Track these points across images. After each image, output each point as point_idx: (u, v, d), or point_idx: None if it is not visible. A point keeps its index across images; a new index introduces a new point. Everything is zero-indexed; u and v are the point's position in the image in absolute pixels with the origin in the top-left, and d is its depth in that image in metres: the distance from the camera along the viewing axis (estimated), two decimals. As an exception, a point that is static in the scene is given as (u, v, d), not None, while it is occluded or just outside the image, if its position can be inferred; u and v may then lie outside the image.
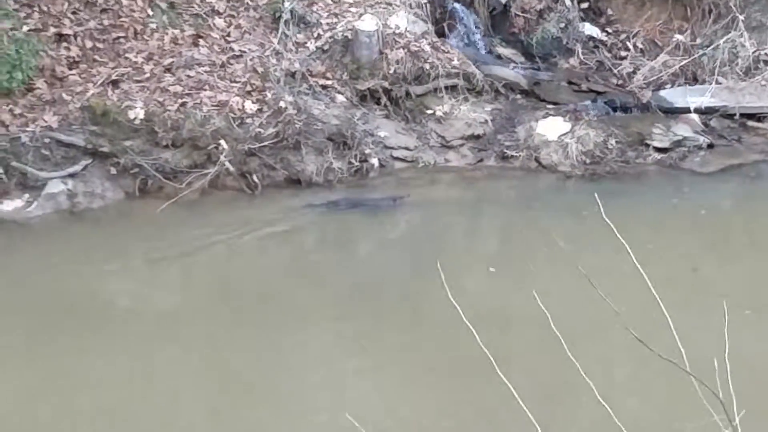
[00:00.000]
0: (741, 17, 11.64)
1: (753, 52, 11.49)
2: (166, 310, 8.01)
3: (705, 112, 11.05)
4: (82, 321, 7.64)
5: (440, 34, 11.79)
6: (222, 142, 9.41)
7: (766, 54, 11.56)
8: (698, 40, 11.87)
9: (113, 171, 9.43)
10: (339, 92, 10.62)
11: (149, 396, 6.78)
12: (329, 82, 10.66)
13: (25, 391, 6.81)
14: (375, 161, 10.20)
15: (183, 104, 9.68)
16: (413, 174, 10.32)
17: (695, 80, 11.55)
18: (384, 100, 10.75)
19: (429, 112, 10.80)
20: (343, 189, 9.93)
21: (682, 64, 11.62)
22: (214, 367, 7.17)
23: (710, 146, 10.64)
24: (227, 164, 9.49)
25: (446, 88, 10.92)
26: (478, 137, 10.69)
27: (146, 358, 7.18)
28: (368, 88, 10.72)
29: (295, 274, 8.54)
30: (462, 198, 10.16)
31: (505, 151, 10.51)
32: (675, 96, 11.24)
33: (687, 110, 11.06)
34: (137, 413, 6.60)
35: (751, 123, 11.08)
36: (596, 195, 4.08)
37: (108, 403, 6.68)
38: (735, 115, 11.05)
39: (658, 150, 10.51)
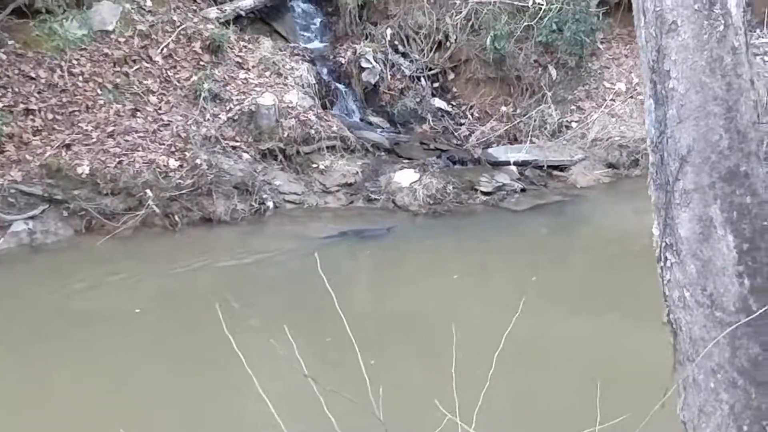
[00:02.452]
0: (549, 93, 12.06)
1: (557, 120, 11.88)
2: (114, 316, 8.08)
3: (521, 164, 11.39)
4: (50, 327, 7.73)
5: (327, 106, 12.04)
6: (148, 191, 9.59)
7: (567, 121, 11.96)
8: (518, 111, 12.23)
9: (65, 213, 9.56)
10: (245, 151, 10.83)
11: (115, 383, 6.87)
12: (237, 144, 10.87)
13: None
14: (270, 204, 10.43)
15: (120, 162, 9.84)
16: (301, 213, 10.55)
17: (515, 140, 11.90)
18: (280, 157, 10.98)
19: (314, 165, 11.05)
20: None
21: (505, 128, 12.00)
22: (166, 357, 7.25)
23: (523, 190, 10.97)
24: (154, 207, 9.66)
25: (327, 147, 11.18)
26: (350, 185, 10.95)
27: (110, 353, 7.26)
28: (267, 148, 10.94)
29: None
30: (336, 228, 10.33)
31: (370, 195, 10.79)
32: (499, 152, 11.60)
33: (508, 163, 11.40)
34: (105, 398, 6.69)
35: (555, 172, 11.43)
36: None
37: (81, 391, 6.76)
38: (543, 166, 11.40)
39: (484, 193, 10.81)
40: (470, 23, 12.49)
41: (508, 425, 5.71)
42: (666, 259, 3.30)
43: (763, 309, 3.21)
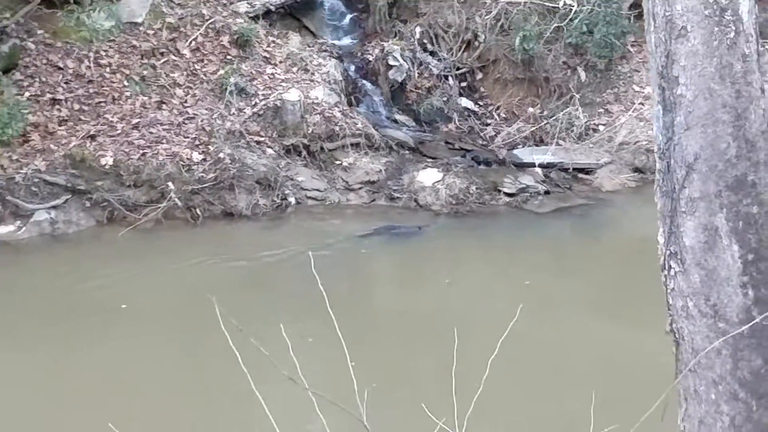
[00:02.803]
0: (577, 96, 11.98)
1: (585, 122, 11.80)
2: (134, 306, 8.13)
3: (546, 166, 11.32)
4: (62, 317, 7.80)
5: (353, 103, 12.04)
6: (170, 183, 9.63)
7: (594, 124, 11.88)
8: (545, 112, 12.17)
9: (87, 204, 9.65)
10: (269, 146, 10.86)
11: (130, 372, 6.93)
12: (262, 139, 10.90)
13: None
14: (292, 200, 10.46)
15: (144, 154, 9.92)
16: (322, 209, 10.57)
17: (541, 142, 11.84)
18: (304, 153, 11.00)
19: (338, 162, 11.05)
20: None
21: (532, 129, 11.93)
22: (182, 352, 7.31)
23: (547, 192, 10.91)
24: (176, 200, 9.72)
25: (352, 145, 11.18)
26: (373, 182, 10.94)
27: (126, 342, 7.32)
28: (292, 144, 10.96)
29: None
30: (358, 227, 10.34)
31: (393, 193, 10.77)
32: (524, 154, 11.55)
33: (533, 165, 11.35)
34: (122, 382, 6.76)
35: (581, 175, 11.36)
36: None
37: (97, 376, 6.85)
38: (569, 169, 11.33)
39: (508, 195, 10.76)
40: (500, 23, 12.44)
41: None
42: (670, 267, 3.26)
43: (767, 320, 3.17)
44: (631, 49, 12.54)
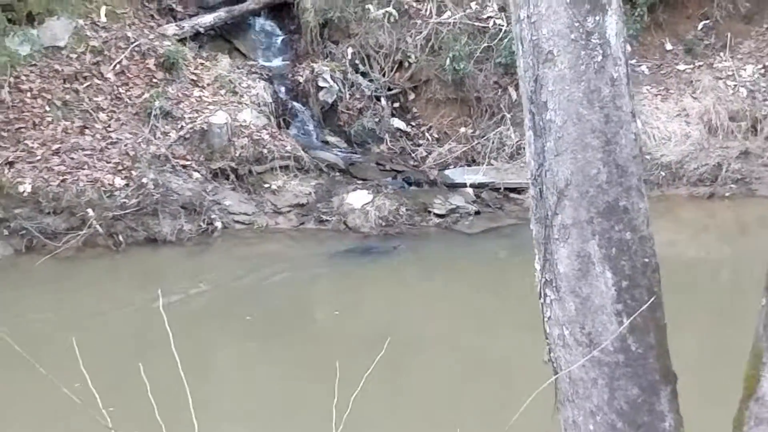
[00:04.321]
0: (508, 115, 12.00)
1: (516, 142, 11.81)
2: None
3: (478, 186, 11.32)
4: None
5: (283, 125, 11.95)
6: (90, 210, 9.44)
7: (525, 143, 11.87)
8: (477, 132, 12.17)
9: (5, 232, 9.45)
10: (196, 170, 10.73)
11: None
12: (188, 162, 10.77)
13: None
14: (219, 224, 10.33)
15: (64, 180, 9.73)
16: (250, 234, 10.44)
17: (473, 162, 11.84)
18: (232, 176, 10.88)
19: (266, 185, 10.95)
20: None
21: (463, 150, 11.94)
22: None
23: (477, 213, 10.90)
24: (97, 227, 9.54)
25: (281, 167, 11.09)
26: (302, 205, 10.86)
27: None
28: (219, 167, 10.84)
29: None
30: (286, 251, 10.24)
31: (322, 216, 10.69)
32: (456, 174, 11.54)
33: (464, 185, 11.34)
34: None
35: (512, 195, 11.36)
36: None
37: None
38: (500, 189, 11.33)
39: (438, 216, 10.73)
40: (430, 43, 12.47)
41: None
42: (546, 295, 3.21)
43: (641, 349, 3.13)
44: (562, 68, 12.58)
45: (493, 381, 6.81)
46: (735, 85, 12.22)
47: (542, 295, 3.23)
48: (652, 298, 3.17)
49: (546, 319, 3.24)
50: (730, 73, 12.44)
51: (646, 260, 3.12)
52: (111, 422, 2.27)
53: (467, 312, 8.51)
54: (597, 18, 2.98)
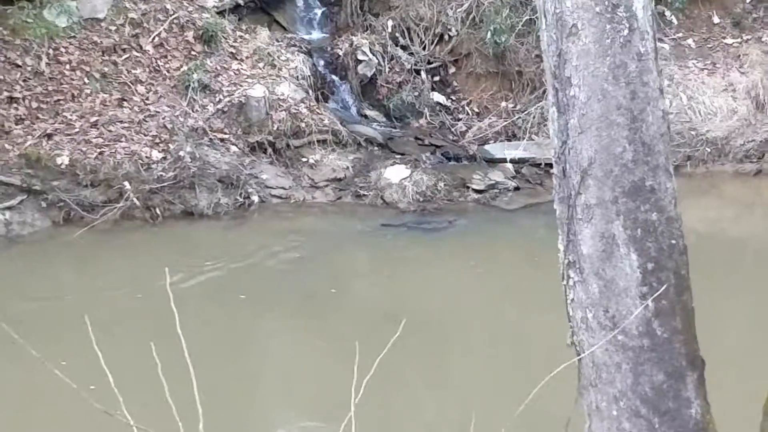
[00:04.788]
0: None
1: (557, 117, 11.61)
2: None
3: (518, 162, 11.18)
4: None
5: (322, 98, 11.90)
6: (126, 183, 9.48)
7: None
8: (518, 107, 12.02)
9: (43, 204, 9.51)
10: (233, 144, 10.72)
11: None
12: (226, 136, 10.76)
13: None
14: (256, 198, 10.32)
15: (101, 153, 9.78)
16: (287, 208, 10.44)
17: (514, 137, 11.70)
18: (269, 150, 10.86)
19: (304, 160, 10.92)
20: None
21: (504, 124, 11.79)
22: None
23: (517, 188, 10.78)
24: (134, 200, 9.58)
25: (318, 141, 11.04)
26: (340, 180, 10.82)
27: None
28: (257, 141, 10.82)
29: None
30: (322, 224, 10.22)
31: (359, 191, 10.65)
32: (496, 149, 11.41)
33: (504, 160, 11.20)
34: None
35: (552, 171, 11.14)
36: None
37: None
38: (541, 164, 11.18)
39: (476, 191, 10.64)
40: (471, 16, 12.30)
41: None
42: (569, 277, 3.14)
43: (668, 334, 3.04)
44: (606, 41, 12.35)
45: (525, 361, 6.73)
46: (785, 60, 11.93)
47: (565, 276, 3.15)
48: (680, 281, 3.08)
49: (569, 302, 3.17)
50: (780, 47, 12.14)
51: (673, 242, 3.03)
52: (97, 404, 2.24)
53: (505, 290, 8.44)
54: (624, -10, 2.87)
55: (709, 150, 11.29)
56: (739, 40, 12.53)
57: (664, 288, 3.00)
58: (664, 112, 3.01)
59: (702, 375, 3.10)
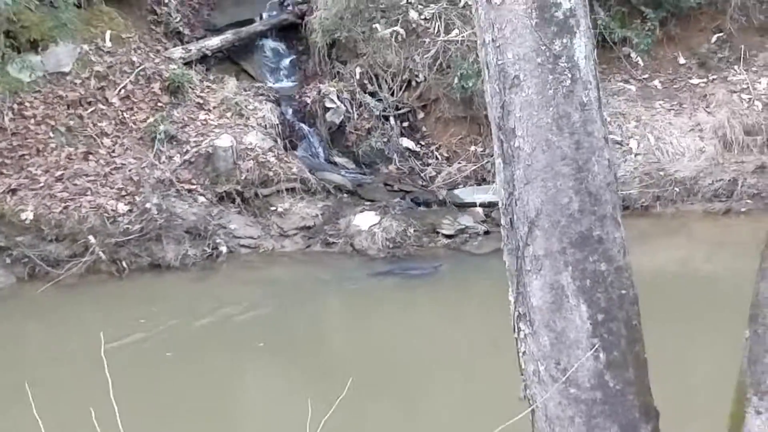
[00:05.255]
0: (518, 133, 11.84)
1: (526, 160, 11.65)
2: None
3: (488, 206, 11.16)
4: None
5: (290, 147, 11.89)
6: (91, 237, 9.40)
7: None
8: (487, 150, 12.03)
9: (7, 261, 9.42)
10: (201, 194, 10.67)
11: None
12: (194, 186, 10.72)
13: None
14: (224, 248, 10.26)
15: (66, 207, 9.70)
16: (256, 258, 10.37)
17: (483, 181, 11.71)
18: (238, 200, 10.81)
19: (273, 208, 10.88)
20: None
21: (473, 168, 11.82)
22: None
23: (487, 233, 10.76)
24: (100, 253, 9.49)
25: (287, 190, 11.01)
26: (309, 228, 10.78)
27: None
28: (225, 191, 10.78)
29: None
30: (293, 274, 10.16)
31: (328, 238, 10.61)
32: (465, 194, 11.42)
33: (474, 204, 11.22)
34: None
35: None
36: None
37: None
38: (511, 208, 11.13)
39: (446, 236, 10.62)
40: (438, 62, 12.36)
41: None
42: (520, 330, 3.11)
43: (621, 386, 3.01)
44: (573, 84, 12.43)
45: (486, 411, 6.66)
46: (750, 99, 12.04)
47: (516, 329, 3.12)
48: (631, 332, 3.05)
49: (521, 354, 3.13)
50: (744, 86, 12.26)
51: (623, 292, 3.01)
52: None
53: (471, 339, 8.41)
54: (564, 41, 2.89)
55: (677, 190, 11.34)
56: (705, 80, 12.66)
57: (615, 339, 2.98)
58: (610, 162, 3.01)
59: (657, 426, 3.07)
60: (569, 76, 2.92)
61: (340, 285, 9.78)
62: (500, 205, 3.13)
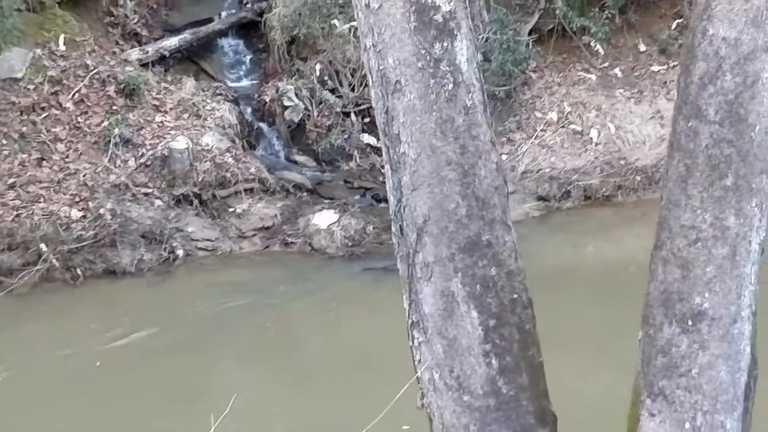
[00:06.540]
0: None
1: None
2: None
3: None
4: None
5: (248, 146, 11.82)
6: (43, 245, 9.33)
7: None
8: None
9: (-43, 272, 9.32)
10: (157, 197, 10.59)
11: None
12: (150, 190, 10.63)
13: None
14: (181, 252, 10.20)
15: (18, 215, 9.61)
16: (213, 260, 10.31)
17: (444, 175, 11.63)
18: (195, 202, 10.74)
19: (231, 210, 10.81)
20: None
21: (433, 163, 11.75)
22: None
23: (447, 228, 10.69)
24: (53, 261, 9.42)
25: (245, 190, 10.94)
26: (267, 228, 10.71)
27: None
28: (182, 193, 10.70)
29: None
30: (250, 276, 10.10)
31: (287, 238, 10.55)
32: (425, 189, 11.35)
33: (434, 200, 11.13)
34: None
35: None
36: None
37: None
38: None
39: (405, 233, 10.53)
40: (397, 56, 12.28)
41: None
42: (414, 338, 3.08)
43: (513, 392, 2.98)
44: (533, 75, 12.46)
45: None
46: (710, 85, 12.01)
47: (411, 337, 3.09)
48: (524, 336, 3.03)
49: (416, 363, 3.10)
50: (704, 72, 12.23)
51: (515, 296, 2.98)
52: None
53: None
54: (445, 44, 2.85)
55: (639, 178, 11.34)
56: (665, 66, 12.66)
57: (507, 344, 2.95)
58: (498, 165, 2.98)
59: (554, 430, 3.04)
60: (451, 79, 2.89)
61: (295, 284, 9.71)
62: (391, 212, 3.10)
